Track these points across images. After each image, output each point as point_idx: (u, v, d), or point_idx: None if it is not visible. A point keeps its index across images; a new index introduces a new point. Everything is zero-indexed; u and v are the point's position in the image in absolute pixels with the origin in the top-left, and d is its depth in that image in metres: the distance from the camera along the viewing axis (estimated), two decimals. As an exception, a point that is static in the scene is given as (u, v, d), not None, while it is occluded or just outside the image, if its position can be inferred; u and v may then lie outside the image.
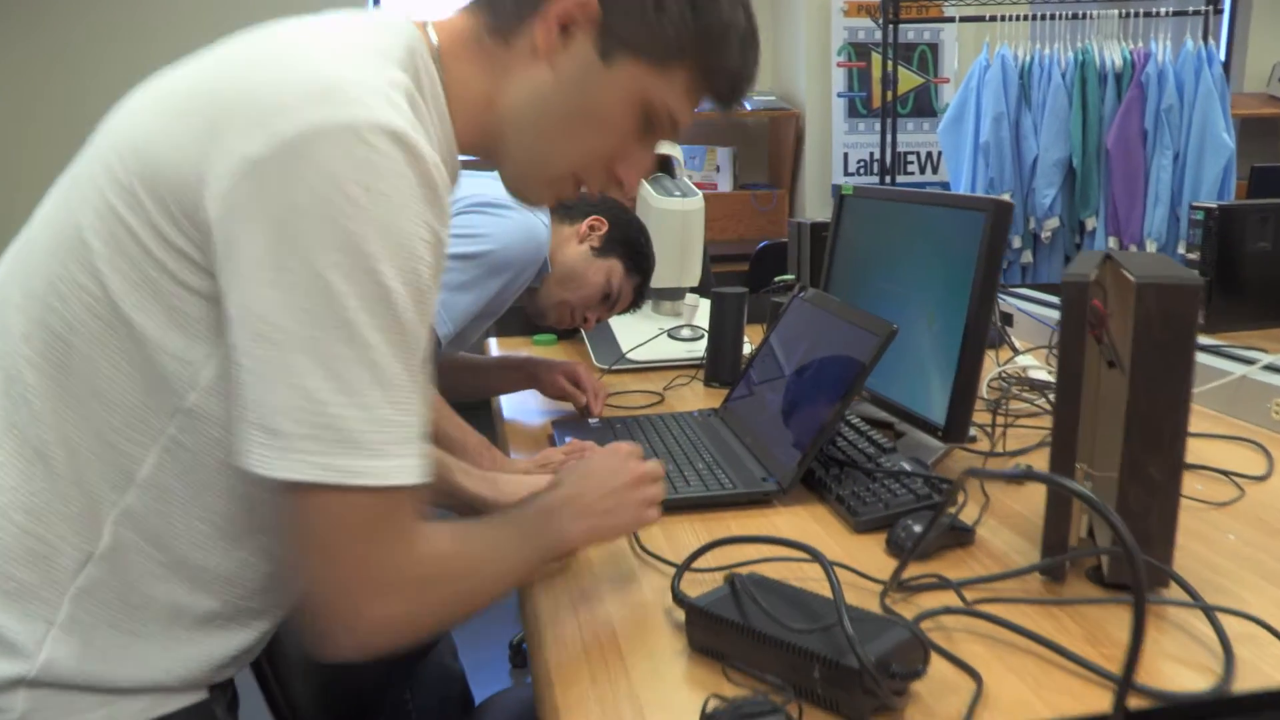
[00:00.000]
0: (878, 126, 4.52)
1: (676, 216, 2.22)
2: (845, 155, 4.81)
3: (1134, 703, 0.85)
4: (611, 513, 1.05)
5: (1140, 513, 1.01)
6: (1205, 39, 3.96)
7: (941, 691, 0.88)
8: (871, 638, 0.86)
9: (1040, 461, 1.49)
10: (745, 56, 0.99)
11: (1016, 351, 2.03)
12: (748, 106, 4.77)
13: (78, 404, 0.83)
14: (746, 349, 2.03)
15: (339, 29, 0.86)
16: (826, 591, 0.93)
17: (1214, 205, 2.27)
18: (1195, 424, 1.51)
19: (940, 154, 4.69)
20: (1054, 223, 4.06)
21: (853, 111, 4.79)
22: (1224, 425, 1.65)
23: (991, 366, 1.91)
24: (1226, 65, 5.02)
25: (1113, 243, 4.04)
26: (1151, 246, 3.98)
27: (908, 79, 4.75)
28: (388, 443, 0.78)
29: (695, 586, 1.03)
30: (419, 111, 0.85)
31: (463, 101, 0.93)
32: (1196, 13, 3.99)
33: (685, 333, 2.17)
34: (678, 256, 2.22)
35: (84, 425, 0.83)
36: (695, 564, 1.10)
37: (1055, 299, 2.39)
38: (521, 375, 1.81)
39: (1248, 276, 2.22)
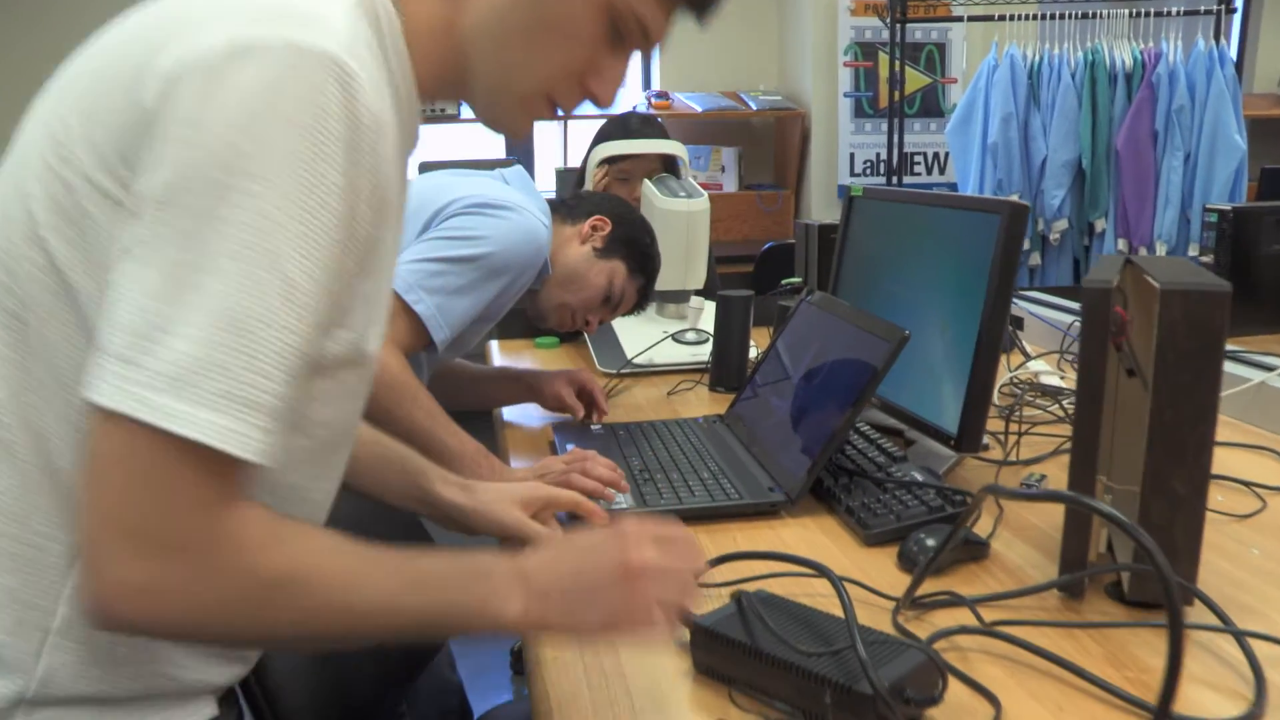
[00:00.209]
0: (884, 127, 4.47)
1: (681, 217, 2.18)
2: (851, 156, 4.77)
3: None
4: (591, 604, 0.81)
5: (1163, 528, 0.97)
6: (1217, 39, 3.91)
7: (958, 716, 0.84)
8: (885, 661, 0.82)
9: (1056, 470, 1.45)
10: None
11: (1028, 356, 1.99)
12: (753, 106, 4.73)
13: (39, 386, 0.77)
14: (753, 353, 2.00)
15: None
16: (837, 608, 0.89)
17: (1228, 207, 2.22)
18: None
19: (948, 155, 4.64)
20: (1063, 224, 4.02)
21: (859, 111, 4.75)
22: (1242, 433, 1.61)
23: (1002, 372, 1.87)
24: (1238, 66, 4.97)
25: (1122, 245, 4.00)
26: (1161, 249, 3.94)
27: (915, 79, 4.71)
28: (218, 395, 0.68)
29: (701, 603, 0.99)
30: (374, 48, 0.79)
31: (421, 35, 0.87)
32: (1208, 12, 3.94)
33: (690, 336, 2.14)
34: (682, 258, 2.18)
35: (47, 409, 0.77)
36: (701, 579, 1.06)
37: (1066, 302, 2.35)
38: (521, 387, 1.77)
39: (1263, 279, 2.18)
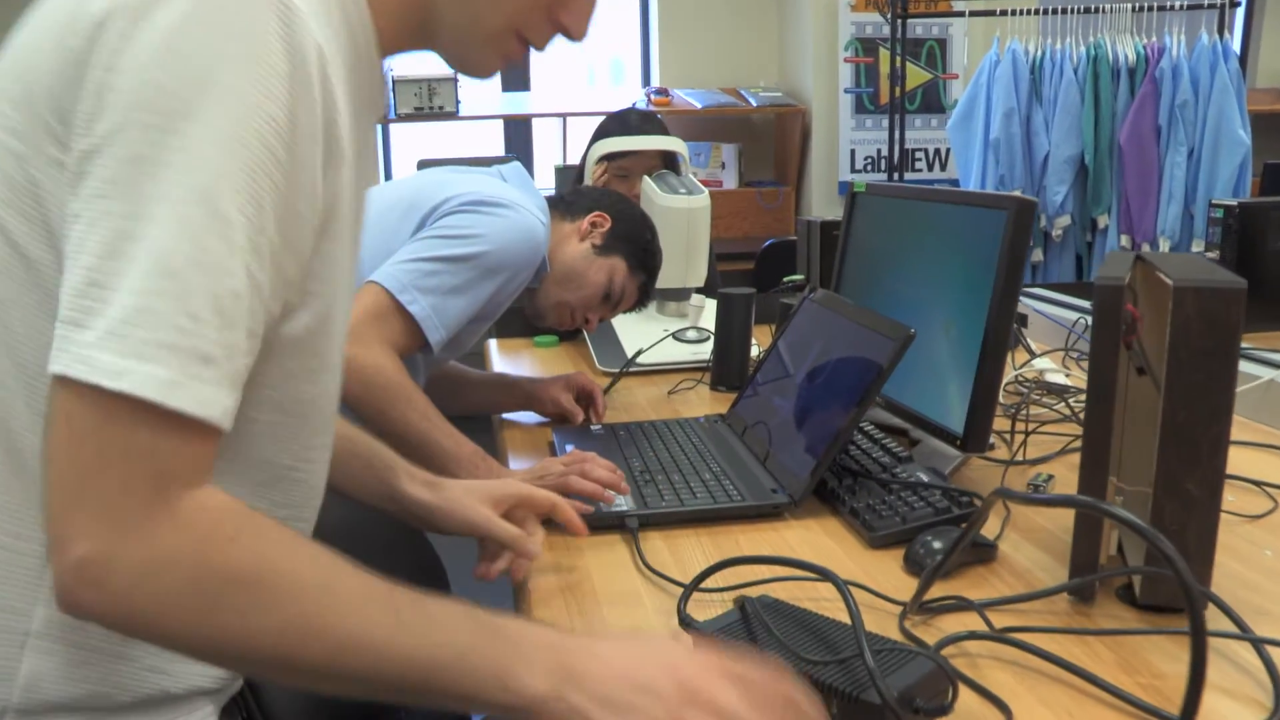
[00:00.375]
0: (885, 123, 4.45)
1: (682, 214, 2.15)
2: (852, 152, 4.75)
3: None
4: (629, 716, 0.70)
5: (1176, 530, 0.95)
6: (1221, 33, 3.88)
7: (968, 725, 0.82)
8: (893, 669, 0.80)
9: (1063, 470, 1.43)
10: None
11: (1033, 354, 1.97)
12: (753, 102, 4.71)
13: (3, 376, 0.74)
14: (754, 352, 1.97)
15: None
16: (842, 612, 0.87)
17: (1234, 203, 2.20)
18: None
19: (949, 151, 4.62)
20: (1065, 220, 3.99)
21: (860, 108, 4.72)
22: (1252, 432, 1.59)
23: (1007, 370, 1.84)
24: (1242, 60, 4.94)
25: (1125, 241, 3.98)
26: (1165, 245, 3.92)
27: (916, 74, 4.69)
28: (150, 345, 0.63)
29: (703, 609, 0.97)
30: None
31: None
32: (1211, 6, 3.92)
33: (691, 334, 2.11)
34: (683, 255, 2.16)
35: (12, 401, 0.74)
36: (703, 584, 1.04)
37: (1071, 299, 2.33)
38: (519, 394, 1.75)
39: (1269, 275, 2.16)
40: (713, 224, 2.28)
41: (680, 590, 1.03)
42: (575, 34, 0.89)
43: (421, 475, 1.15)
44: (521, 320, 2.05)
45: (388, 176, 4.88)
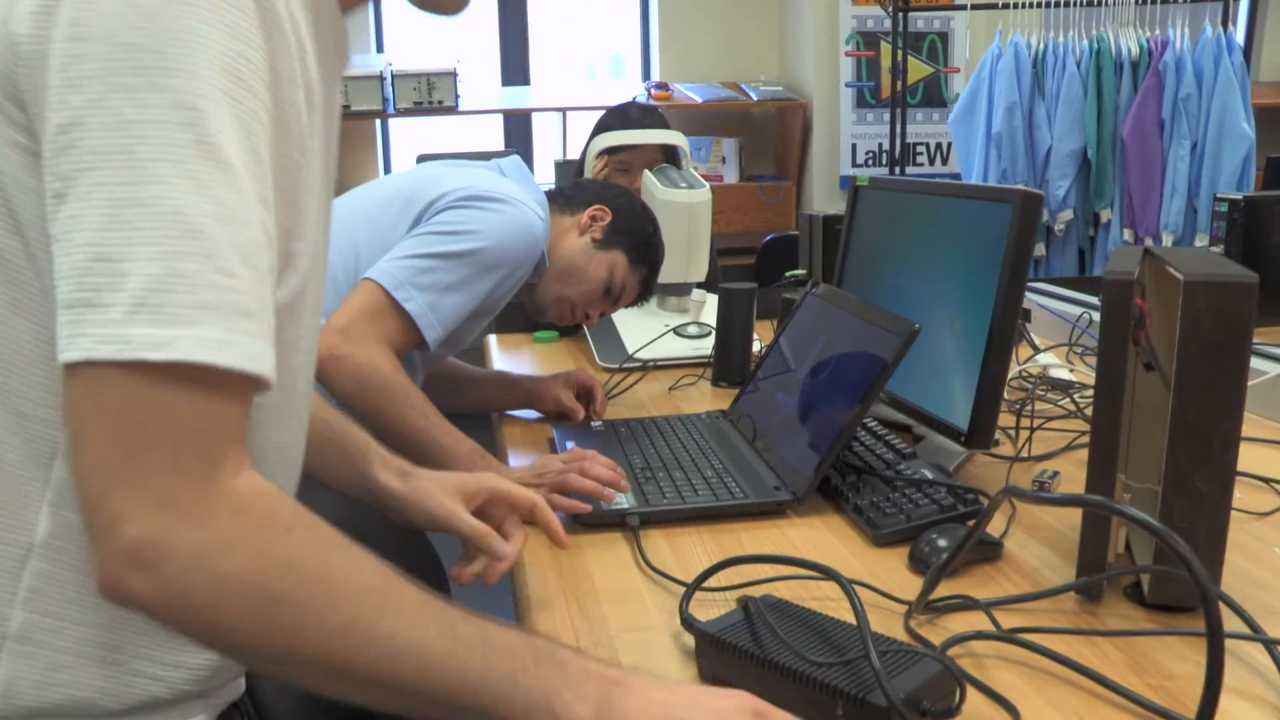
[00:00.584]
0: (886, 117, 4.43)
1: (683, 209, 2.14)
2: (853, 146, 4.73)
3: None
4: None
5: (1186, 529, 0.94)
6: (1225, 26, 3.86)
7: (975, 727, 0.81)
8: (900, 671, 0.78)
9: (1069, 467, 1.41)
10: None
11: (1037, 349, 1.95)
12: (754, 96, 4.69)
13: None
14: (756, 347, 1.96)
15: None
16: (846, 611, 0.86)
17: (1239, 196, 2.19)
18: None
19: (951, 145, 4.60)
20: (1068, 215, 3.97)
21: (861, 102, 4.70)
22: (1260, 428, 1.57)
23: (1011, 365, 1.83)
24: (1245, 53, 4.92)
25: (1128, 235, 3.96)
26: (1168, 239, 3.90)
27: (917, 68, 4.66)
28: (189, 307, 0.61)
29: (706, 608, 0.96)
30: None
31: None
32: (1215, -1, 3.90)
33: (692, 330, 2.10)
34: (684, 250, 2.14)
35: None
36: (706, 583, 1.02)
37: (1075, 294, 2.32)
38: (519, 392, 1.74)
39: (1275, 270, 2.14)
40: (713, 219, 2.26)
41: (682, 589, 1.01)
42: None
43: (395, 463, 1.10)
44: (521, 316, 2.03)
45: (387, 171, 4.86)
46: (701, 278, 2.22)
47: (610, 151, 2.41)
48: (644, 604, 1.04)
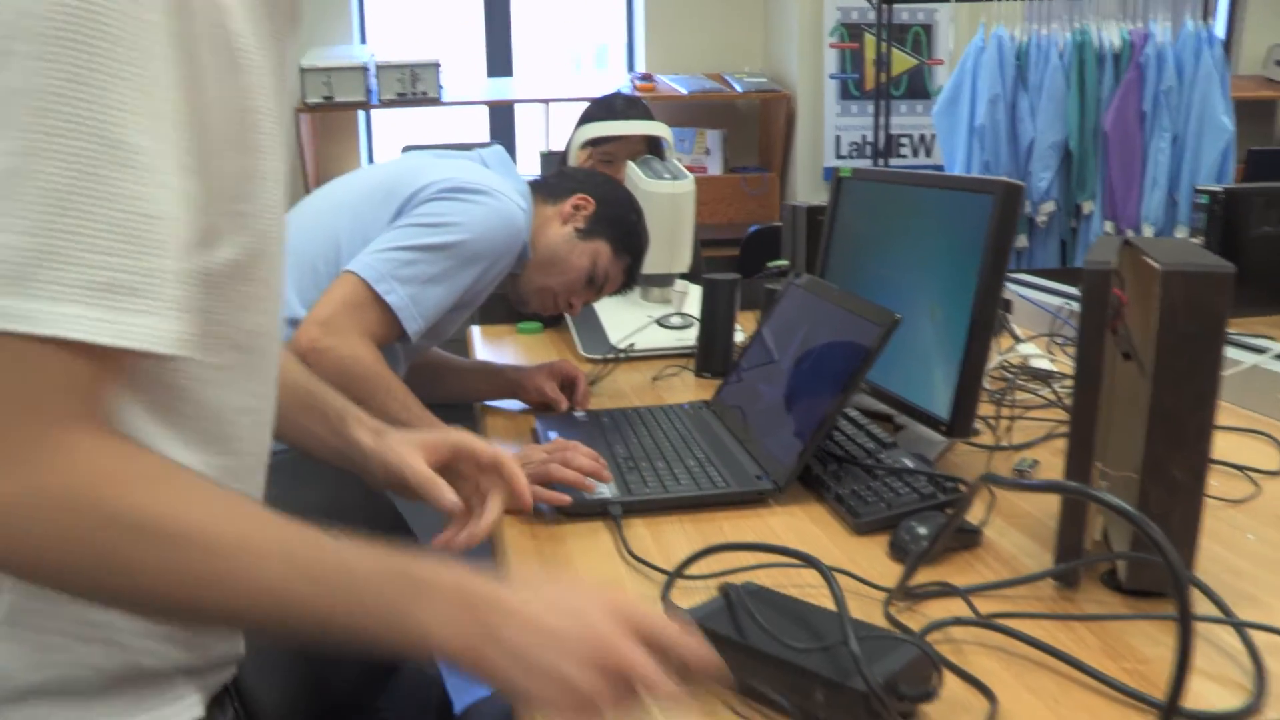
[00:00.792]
0: (870, 109, 4.44)
1: (666, 200, 2.14)
2: (837, 138, 4.74)
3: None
4: (541, 671, 0.70)
5: (1161, 515, 0.95)
6: (1205, 19, 3.89)
7: (952, 711, 0.82)
8: (878, 656, 0.79)
9: (1048, 456, 1.43)
10: None
11: (1018, 339, 1.97)
12: (738, 88, 4.70)
13: None
14: (739, 338, 1.96)
15: None
16: (827, 599, 0.86)
17: (1219, 188, 2.21)
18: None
19: (934, 137, 4.61)
20: (1050, 206, 3.99)
21: (845, 93, 4.71)
22: (1235, 417, 1.59)
23: (992, 356, 1.84)
24: (1226, 46, 4.95)
25: (1109, 227, 3.98)
26: (1149, 230, 3.92)
27: (901, 60, 4.68)
28: (55, 284, 0.61)
29: (687, 596, 0.96)
30: None
31: None
32: (1196, -8, 3.92)
33: (675, 321, 2.10)
34: (667, 241, 2.15)
35: None
36: (687, 571, 1.03)
37: (1056, 284, 2.33)
38: (503, 382, 1.74)
39: (1253, 261, 2.16)
40: (697, 210, 2.26)
41: (664, 577, 1.02)
42: None
43: (372, 424, 1.10)
44: (505, 307, 2.03)
45: (370, 163, 4.85)
46: (685, 268, 2.23)
47: (594, 143, 2.41)
48: (626, 592, 1.04)
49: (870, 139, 4.53)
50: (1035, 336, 2.00)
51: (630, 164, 2.23)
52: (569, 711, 0.69)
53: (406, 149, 4.00)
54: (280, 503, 1.23)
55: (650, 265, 1.99)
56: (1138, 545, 0.98)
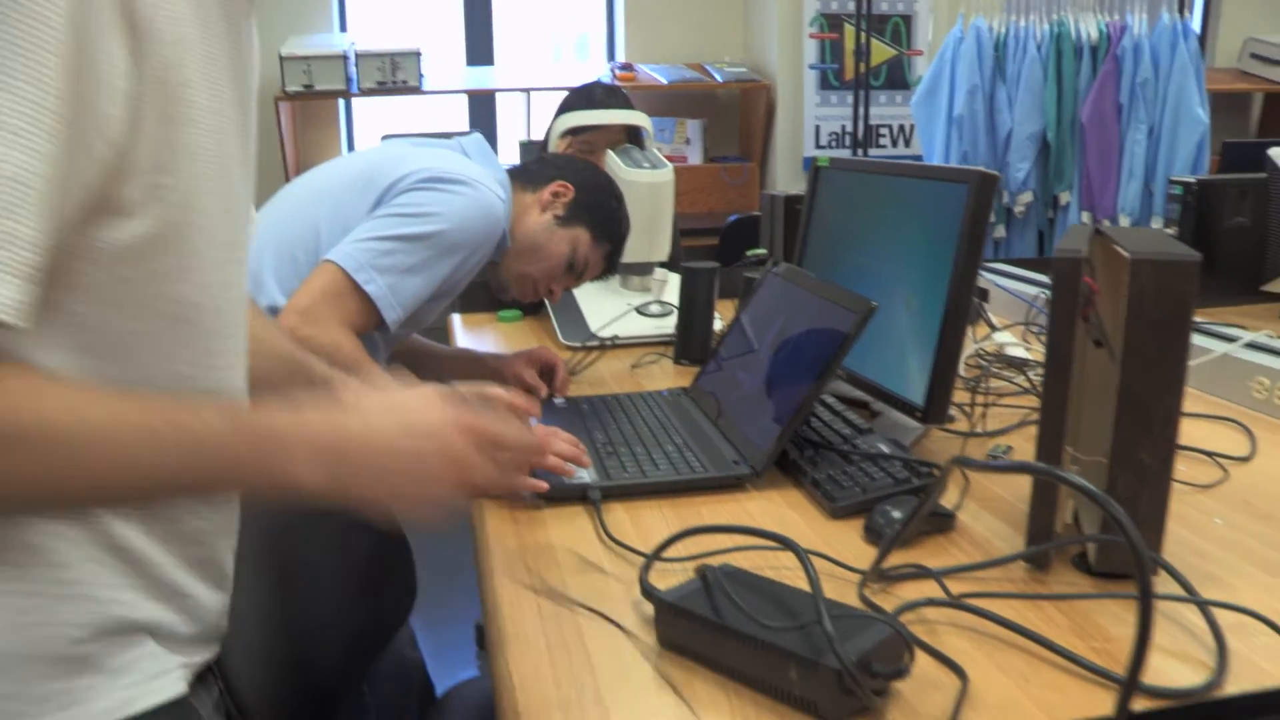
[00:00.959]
0: (850, 99, 4.46)
1: (646, 189, 2.15)
2: (817, 128, 4.75)
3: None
4: (396, 488, 0.79)
5: (1129, 498, 0.97)
6: (1181, 12, 3.92)
7: (924, 689, 0.83)
8: (851, 635, 0.81)
9: (1021, 442, 1.45)
10: None
11: (994, 328, 1.99)
12: (718, 78, 4.71)
13: None
14: (718, 325, 1.98)
15: None
16: (803, 582, 0.88)
17: (1192, 180, 2.23)
18: (1177, 403, 1.48)
19: (913, 127, 4.64)
20: (1027, 197, 4.03)
21: (825, 84, 4.73)
22: (1205, 404, 1.62)
23: (968, 344, 1.86)
24: (1201, 39, 4.99)
25: (1086, 217, 4.02)
26: (1125, 221, 3.96)
27: (881, 51, 4.69)
28: None
29: (665, 578, 0.98)
30: None
31: None
32: (1172, -15, 3.95)
33: (654, 309, 2.12)
34: (647, 230, 2.16)
35: None
36: (665, 554, 1.05)
37: (1032, 274, 2.35)
38: (484, 370, 1.75)
39: (1225, 252, 2.19)
40: (677, 199, 2.28)
41: (642, 560, 1.03)
42: None
43: (356, 384, 1.13)
44: (485, 295, 2.04)
45: (351, 151, 4.84)
46: (664, 257, 2.24)
47: (574, 132, 2.42)
48: (605, 574, 1.06)
49: (850, 129, 4.55)
50: (1011, 325, 2.02)
51: (610, 153, 2.24)
52: (433, 521, 0.79)
53: (386, 138, 4.00)
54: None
55: (630, 254, 2.00)
56: (1106, 528, 1.00)
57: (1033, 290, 2.16)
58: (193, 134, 0.77)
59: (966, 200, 1.31)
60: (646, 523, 1.19)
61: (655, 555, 1.03)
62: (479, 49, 4.89)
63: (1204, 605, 0.93)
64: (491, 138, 4.78)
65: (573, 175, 1.71)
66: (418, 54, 4.28)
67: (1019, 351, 1.84)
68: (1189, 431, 1.47)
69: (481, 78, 4.73)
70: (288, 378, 1.11)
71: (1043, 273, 2.35)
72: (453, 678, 1.57)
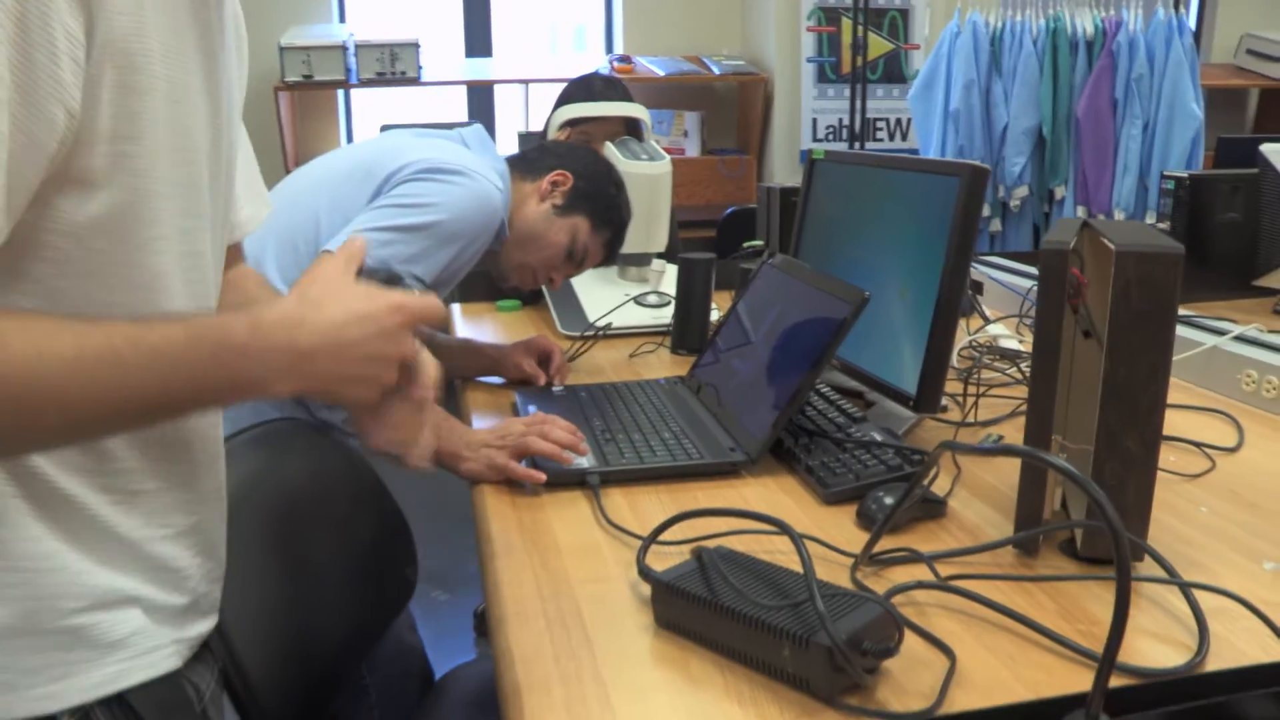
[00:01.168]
0: (847, 92, 4.48)
1: (644, 180, 2.17)
2: (814, 121, 4.77)
3: (1112, 681, 0.83)
4: (346, 384, 0.83)
5: (1116, 485, 0.99)
6: (1176, 8, 3.94)
7: (914, 668, 0.86)
8: (843, 614, 0.83)
9: (1012, 432, 1.47)
10: None
11: (987, 320, 2.01)
12: (716, 70, 4.72)
13: None
14: (714, 316, 2.00)
15: None
16: (796, 565, 0.90)
17: (1185, 175, 2.25)
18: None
19: (910, 121, 4.66)
20: (1023, 191, 4.05)
21: (822, 77, 4.75)
22: (1194, 396, 1.64)
23: (962, 335, 1.89)
24: (1196, 35, 5.01)
25: (1081, 212, 4.04)
26: (1120, 216, 3.98)
27: (878, 45, 4.71)
28: None
29: (662, 560, 1.00)
30: None
31: None
32: (1167, -20, 3.97)
33: (652, 299, 2.14)
34: (645, 221, 2.18)
35: None
36: (662, 537, 1.07)
37: (1026, 267, 2.38)
38: (484, 360, 1.77)
39: (1217, 246, 2.21)
40: (675, 192, 2.29)
41: (639, 543, 1.06)
42: None
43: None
44: (485, 284, 2.06)
45: (349, 142, 4.85)
46: (661, 248, 2.26)
47: (573, 123, 2.43)
48: (603, 556, 1.08)
49: (847, 122, 4.57)
50: (1004, 317, 2.05)
51: (608, 145, 2.26)
52: (377, 401, 0.85)
53: (385, 128, 4.01)
54: (265, 472, 1.26)
55: (628, 245, 2.02)
56: (1092, 515, 1.03)
57: (1026, 283, 2.18)
58: (152, 102, 0.78)
59: (958, 193, 1.33)
60: (644, 507, 1.21)
61: (652, 538, 1.05)
62: (477, 40, 4.90)
63: (1185, 587, 0.95)
64: (490, 129, 4.78)
65: (572, 163, 1.72)
66: (416, 45, 4.29)
67: (1012, 343, 1.87)
68: (1178, 422, 1.49)
69: (480, 69, 4.74)
70: None
71: (1036, 266, 2.37)
72: (451, 665, 1.59)
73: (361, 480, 1.40)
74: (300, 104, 4.60)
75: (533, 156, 1.76)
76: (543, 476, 1.26)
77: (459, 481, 1.34)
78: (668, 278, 2.21)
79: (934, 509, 1.17)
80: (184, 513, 0.89)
